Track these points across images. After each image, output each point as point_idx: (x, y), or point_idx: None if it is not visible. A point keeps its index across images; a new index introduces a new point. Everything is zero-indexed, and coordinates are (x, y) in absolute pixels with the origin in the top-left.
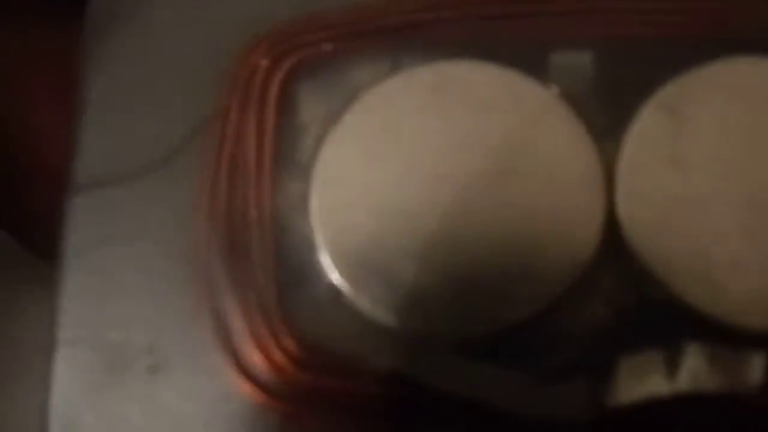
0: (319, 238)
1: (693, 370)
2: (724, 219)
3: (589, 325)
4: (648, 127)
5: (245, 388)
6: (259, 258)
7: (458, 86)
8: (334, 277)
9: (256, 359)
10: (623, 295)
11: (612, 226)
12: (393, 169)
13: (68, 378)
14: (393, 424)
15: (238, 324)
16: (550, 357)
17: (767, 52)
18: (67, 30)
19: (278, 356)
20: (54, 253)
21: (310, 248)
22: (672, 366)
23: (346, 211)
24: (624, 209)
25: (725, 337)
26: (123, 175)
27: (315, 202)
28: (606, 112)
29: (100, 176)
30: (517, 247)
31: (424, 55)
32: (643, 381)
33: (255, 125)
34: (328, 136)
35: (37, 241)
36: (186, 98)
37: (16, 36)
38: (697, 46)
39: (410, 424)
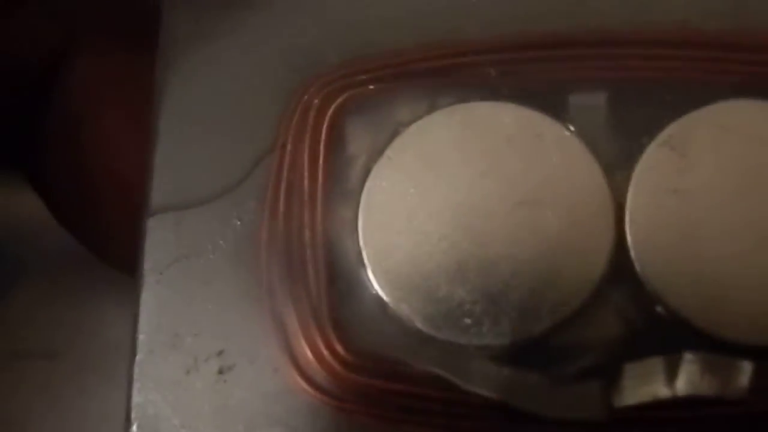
0: (365, 257)
1: (690, 376)
2: (721, 245)
3: (601, 335)
4: (654, 162)
5: (302, 387)
6: (313, 273)
7: (486, 124)
8: (378, 290)
9: (311, 362)
10: (631, 311)
11: (622, 249)
12: (430, 196)
13: (148, 378)
14: (431, 421)
15: (295, 331)
16: (567, 363)
17: (761, 95)
18: (145, 53)
19: (329, 359)
20: (131, 266)
21: (358, 265)
22: (672, 372)
23: (389, 233)
24: (632, 235)
25: (719, 347)
26: (194, 199)
27: (362, 225)
28: (618, 148)
29: (174, 200)
30: (538, 268)
31: (456, 95)
32: (646, 385)
33: (309, 156)
34: (373, 167)
35: (113, 255)
36: (250, 131)
37: (96, 58)
38: (699, 89)
39: (446, 420)
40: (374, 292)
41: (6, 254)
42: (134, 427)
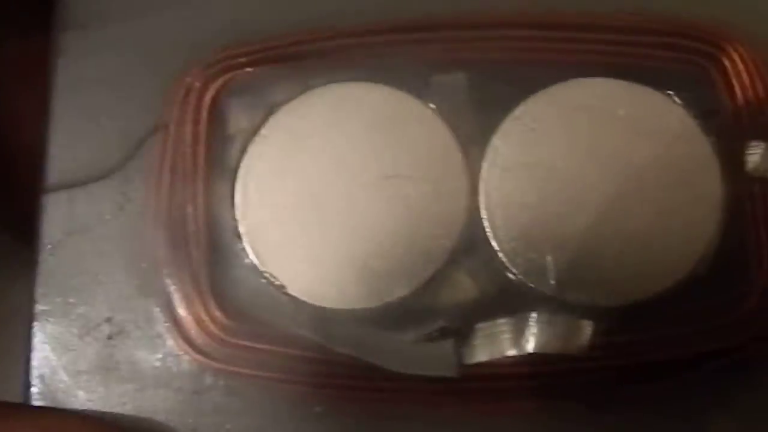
0: (241, 229)
1: (535, 335)
2: (568, 214)
3: (456, 299)
4: (507, 137)
5: (186, 350)
6: (194, 245)
7: (355, 103)
8: (253, 260)
9: (193, 327)
10: (484, 276)
11: (477, 219)
12: (301, 172)
13: (45, 342)
14: (306, 380)
15: (178, 299)
16: (425, 324)
17: (609, 73)
18: (40, 36)
19: (210, 324)
20: (30, 239)
21: (235, 237)
22: (519, 332)
23: (263, 207)
24: (485, 205)
25: (564, 309)
26: (85, 177)
27: (238, 200)
28: (475, 125)
29: (67, 178)
30: (399, 237)
31: (328, 76)
32: (496, 344)
33: (191, 136)
34: (249, 146)
35: (12, 227)
36: (136, 112)
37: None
38: (552, 69)
39: (319, 379)
40: (249, 261)
41: None
42: (33, 389)
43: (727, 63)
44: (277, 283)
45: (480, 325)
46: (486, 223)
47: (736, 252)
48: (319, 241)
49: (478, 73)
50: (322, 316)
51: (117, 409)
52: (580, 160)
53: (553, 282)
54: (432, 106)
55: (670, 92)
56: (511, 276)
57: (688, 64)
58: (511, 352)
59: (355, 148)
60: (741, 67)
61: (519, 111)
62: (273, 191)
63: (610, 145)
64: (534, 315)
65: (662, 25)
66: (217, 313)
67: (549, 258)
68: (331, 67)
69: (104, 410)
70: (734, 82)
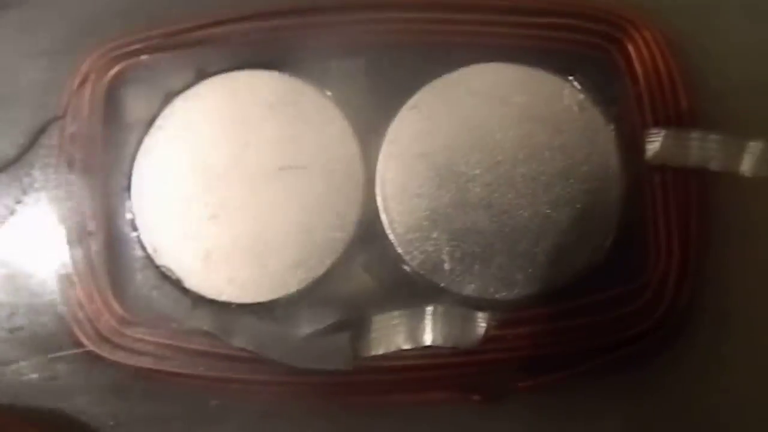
0: (138, 222)
1: (430, 328)
2: (458, 202)
3: (352, 292)
4: (403, 126)
5: (84, 343)
6: (93, 238)
7: (249, 92)
8: (151, 253)
9: (91, 319)
10: (380, 269)
11: (373, 211)
12: (197, 164)
13: None
14: (205, 374)
15: (78, 291)
16: (321, 317)
17: (508, 58)
18: None
19: (108, 317)
20: None
21: (132, 229)
22: (415, 325)
23: (159, 199)
24: (381, 197)
25: (460, 302)
26: None
27: (135, 192)
28: (373, 113)
29: None
30: (295, 229)
31: (224, 63)
32: (391, 337)
33: (87, 126)
34: (145, 137)
35: None
36: (34, 102)
37: None
38: (451, 54)
39: (217, 372)
40: (146, 255)
41: None
42: None
43: (630, 47)
44: (173, 277)
45: (376, 318)
46: (382, 216)
47: (633, 243)
48: (214, 234)
49: (377, 58)
50: (218, 310)
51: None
52: (474, 150)
53: (448, 274)
54: (329, 93)
55: (571, 77)
56: (407, 268)
57: (591, 48)
58: (407, 345)
59: (251, 138)
60: (645, 52)
61: (414, 99)
62: (168, 183)
63: (505, 133)
64: (430, 308)
65: (565, 6)
66: (116, 306)
67: (445, 250)
68: (228, 54)
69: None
70: (637, 67)
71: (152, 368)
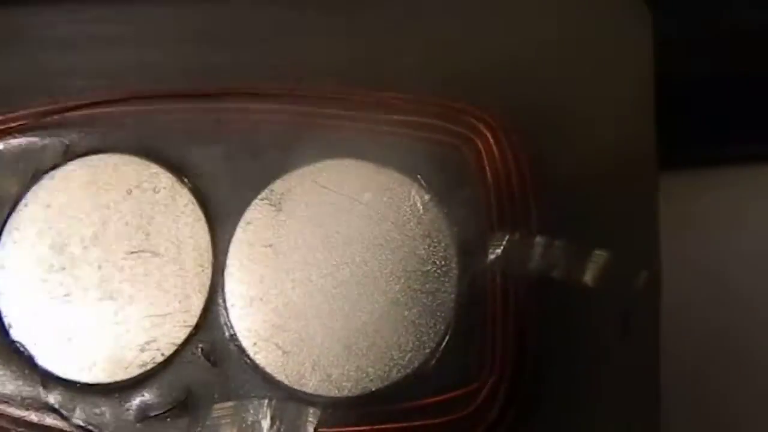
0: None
1: (265, 422)
2: (304, 299)
3: (194, 379)
4: (254, 217)
5: None
6: None
7: (112, 176)
8: (6, 325)
9: None
10: (223, 358)
11: (220, 300)
12: (57, 244)
13: None
14: None
15: None
16: (165, 401)
17: (363, 154)
18: None
19: None
20: None
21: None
22: (244, 418)
23: (19, 276)
24: (228, 288)
25: (296, 396)
26: None
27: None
28: (227, 202)
29: None
30: (142, 312)
31: (92, 144)
32: (229, 425)
33: None
34: (10, 217)
35: None
36: None
37: None
38: (307, 146)
39: None
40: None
41: None
42: None
43: (482, 148)
44: (26, 353)
45: (216, 406)
46: (228, 305)
47: (467, 347)
48: (67, 314)
49: (237, 147)
50: (65, 389)
51: None
52: (319, 246)
53: (284, 369)
54: (185, 180)
55: (419, 175)
56: (247, 361)
57: (444, 147)
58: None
59: (108, 220)
60: (497, 154)
61: (268, 190)
62: (29, 260)
63: (351, 231)
64: (265, 400)
65: (420, 105)
66: None
67: (284, 345)
68: (97, 135)
69: None
70: (487, 168)
71: None
